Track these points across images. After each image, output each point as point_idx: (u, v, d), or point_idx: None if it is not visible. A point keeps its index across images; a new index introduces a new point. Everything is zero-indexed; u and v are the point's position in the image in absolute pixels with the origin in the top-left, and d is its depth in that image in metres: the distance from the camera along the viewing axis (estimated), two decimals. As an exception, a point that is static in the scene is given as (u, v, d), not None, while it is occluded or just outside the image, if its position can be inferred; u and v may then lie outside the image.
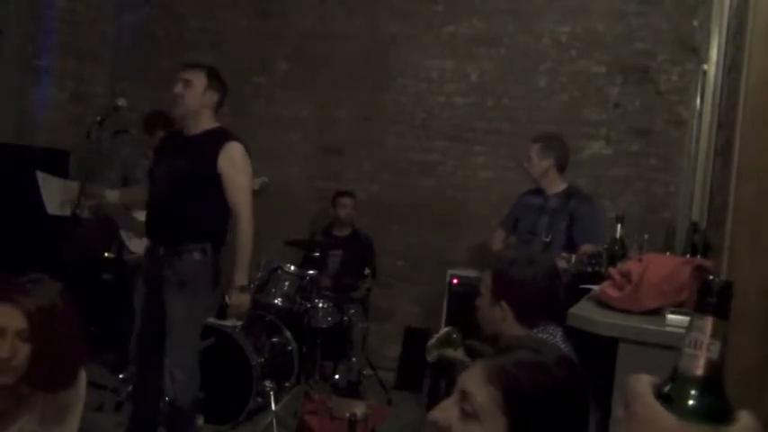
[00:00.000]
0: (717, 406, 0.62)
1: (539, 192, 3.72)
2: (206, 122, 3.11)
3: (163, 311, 3.04)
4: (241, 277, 3.06)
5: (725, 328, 0.63)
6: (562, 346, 1.87)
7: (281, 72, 5.51)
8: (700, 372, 0.62)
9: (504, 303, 1.98)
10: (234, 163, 3.03)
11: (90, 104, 5.46)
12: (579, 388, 1.08)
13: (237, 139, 3.10)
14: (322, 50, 5.38)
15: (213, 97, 3.11)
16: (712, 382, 0.62)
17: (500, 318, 1.99)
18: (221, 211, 3.07)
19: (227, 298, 3.02)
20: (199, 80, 3.05)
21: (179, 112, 3.08)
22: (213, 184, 3.01)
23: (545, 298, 1.99)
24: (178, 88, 3.03)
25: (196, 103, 3.05)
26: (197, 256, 3.02)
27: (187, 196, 3.01)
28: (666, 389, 0.64)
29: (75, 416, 1.76)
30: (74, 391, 1.74)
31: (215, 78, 3.12)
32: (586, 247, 3.37)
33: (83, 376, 1.77)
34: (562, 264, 3.14)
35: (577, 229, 3.53)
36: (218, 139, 3.05)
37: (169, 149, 3.19)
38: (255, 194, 5.19)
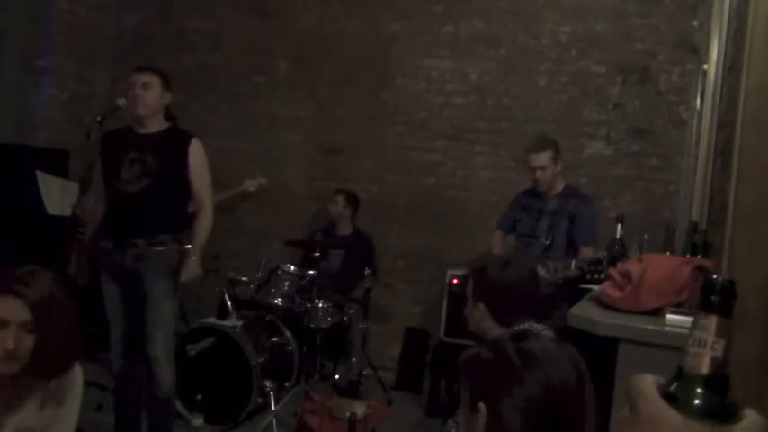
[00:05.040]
0: (723, 404, 0.62)
1: (536, 192, 3.70)
2: (161, 121, 3.31)
3: (141, 304, 3.19)
4: (197, 253, 3.26)
5: (728, 327, 0.63)
6: None
7: (281, 72, 5.51)
8: (705, 370, 0.62)
9: (481, 305, 2.02)
10: (201, 157, 3.29)
11: (90, 104, 5.46)
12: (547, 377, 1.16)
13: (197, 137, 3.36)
14: (322, 50, 5.38)
15: (167, 98, 3.33)
16: (718, 381, 0.63)
17: (479, 318, 2.04)
18: (187, 201, 3.34)
19: (190, 268, 3.23)
20: (156, 82, 3.26)
21: (142, 113, 3.23)
22: (182, 178, 3.24)
23: (522, 298, 2.03)
24: (138, 90, 3.21)
25: (155, 104, 3.26)
26: (175, 244, 3.24)
27: (168, 191, 3.22)
28: (671, 388, 0.64)
29: (75, 402, 1.79)
30: (71, 376, 1.77)
31: (167, 80, 3.33)
32: (586, 252, 3.37)
33: (78, 364, 1.80)
34: (566, 272, 3.15)
35: (578, 230, 3.52)
36: (182, 137, 3.30)
37: (127, 148, 3.24)
38: (251, 195, 5.22)
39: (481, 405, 1.17)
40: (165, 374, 3.22)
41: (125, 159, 3.21)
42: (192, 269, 3.22)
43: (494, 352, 1.22)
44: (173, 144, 3.26)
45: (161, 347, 3.20)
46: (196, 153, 3.27)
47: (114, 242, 3.21)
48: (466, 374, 1.24)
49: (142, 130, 3.27)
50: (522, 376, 1.16)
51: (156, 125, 3.28)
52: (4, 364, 1.61)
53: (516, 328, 1.96)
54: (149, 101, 3.23)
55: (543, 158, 3.56)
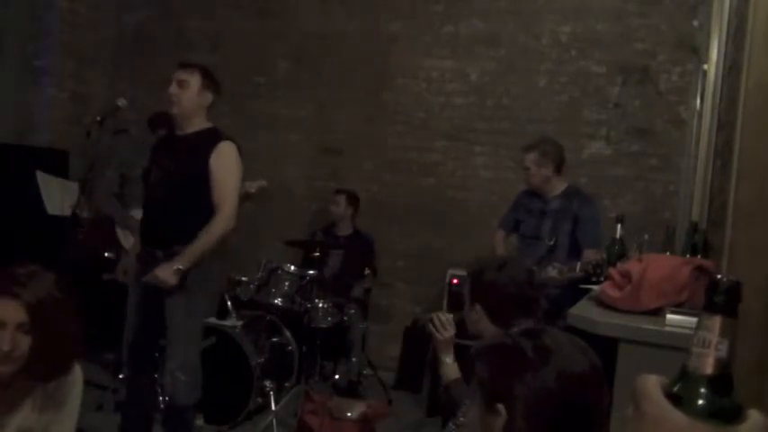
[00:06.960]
0: (727, 404, 0.62)
1: (537, 193, 3.70)
2: (199, 123, 3.07)
3: (159, 314, 2.99)
4: (183, 261, 2.90)
5: (733, 327, 0.63)
6: None
7: (281, 72, 5.52)
8: (709, 370, 0.62)
9: (478, 306, 2.04)
10: (224, 161, 2.98)
11: (90, 104, 5.46)
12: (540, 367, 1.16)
13: (231, 139, 3.05)
14: (322, 50, 5.38)
15: (208, 98, 3.08)
16: (722, 381, 0.63)
17: (476, 319, 2.06)
18: (212, 211, 3.01)
19: (158, 270, 2.92)
20: (194, 80, 3.02)
21: (175, 112, 3.03)
22: (207, 185, 2.97)
23: (518, 299, 2.03)
24: (173, 88, 3.00)
25: (192, 104, 3.02)
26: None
27: (183, 198, 2.97)
28: (675, 388, 0.64)
29: (75, 404, 1.79)
30: (71, 378, 1.77)
31: (210, 78, 3.08)
32: (589, 254, 3.37)
33: (77, 366, 1.80)
34: (571, 274, 3.15)
35: (582, 232, 3.51)
36: (211, 138, 3.02)
37: (163, 151, 3.12)
38: (252, 198, 5.22)
39: (500, 407, 1.14)
40: (179, 387, 3.00)
41: (153, 163, 3.07)
42: (162, 273, 2.87)
43: (509, 349, 1.20)
44: (198, 147, 2.98)
45: (175, 362, 2.98)
46: (221, 156, 2.96)
47: (142, 250, 3.10)
48: (481, 373, 1.21)
49: (179, 132, 3.08)
50: (540, 372, 1.14)
51: (195, 126, 3.04)
52: (1, 366, 1.60)
53: (525, 326, 1.96)
54: (183, 101, 2.98)
55: (527, 159, 3.63)
